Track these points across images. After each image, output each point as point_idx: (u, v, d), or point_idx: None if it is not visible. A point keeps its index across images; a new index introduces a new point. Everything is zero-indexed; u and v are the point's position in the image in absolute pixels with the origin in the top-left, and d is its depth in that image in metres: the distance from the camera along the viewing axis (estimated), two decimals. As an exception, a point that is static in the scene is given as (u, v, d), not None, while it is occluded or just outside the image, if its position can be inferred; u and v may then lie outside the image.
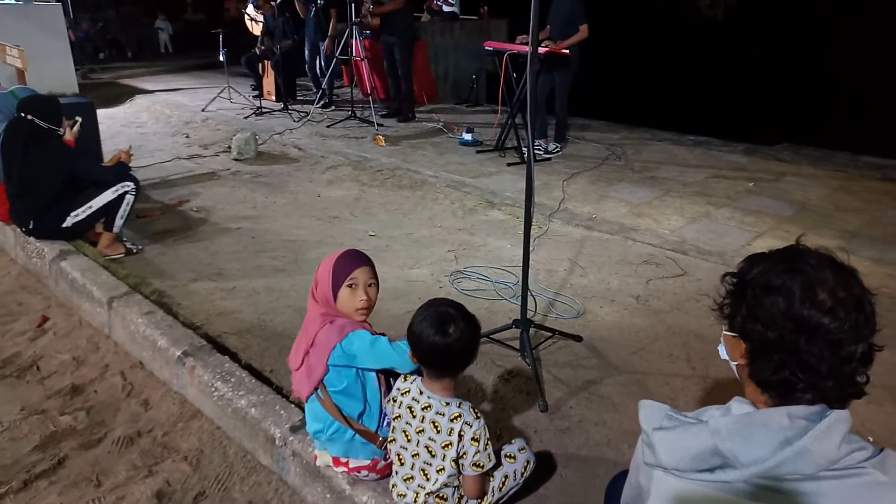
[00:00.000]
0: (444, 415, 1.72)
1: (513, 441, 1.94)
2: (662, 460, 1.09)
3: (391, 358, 1.85)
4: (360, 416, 1.90)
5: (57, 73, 7.72)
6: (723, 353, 1.24)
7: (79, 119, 4.02)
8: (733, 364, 1.21)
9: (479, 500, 1.79)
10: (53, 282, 3.58)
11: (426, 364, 1.75)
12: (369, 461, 1.92)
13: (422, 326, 1.70)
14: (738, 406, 1.15)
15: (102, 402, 2.67)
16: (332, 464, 1.97)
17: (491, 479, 1.81)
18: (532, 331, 2.81)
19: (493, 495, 1.80)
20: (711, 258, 3.81)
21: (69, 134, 3.85)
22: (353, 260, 1.89)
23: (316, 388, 1.89)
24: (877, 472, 1.00)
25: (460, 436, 1.69)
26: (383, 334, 1.93)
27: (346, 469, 1.94)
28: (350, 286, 1.86)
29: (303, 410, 2.27)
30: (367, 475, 1.94)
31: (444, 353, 1.69)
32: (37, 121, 3.64)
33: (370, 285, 1.89)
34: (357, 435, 1.89)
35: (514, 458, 1.87)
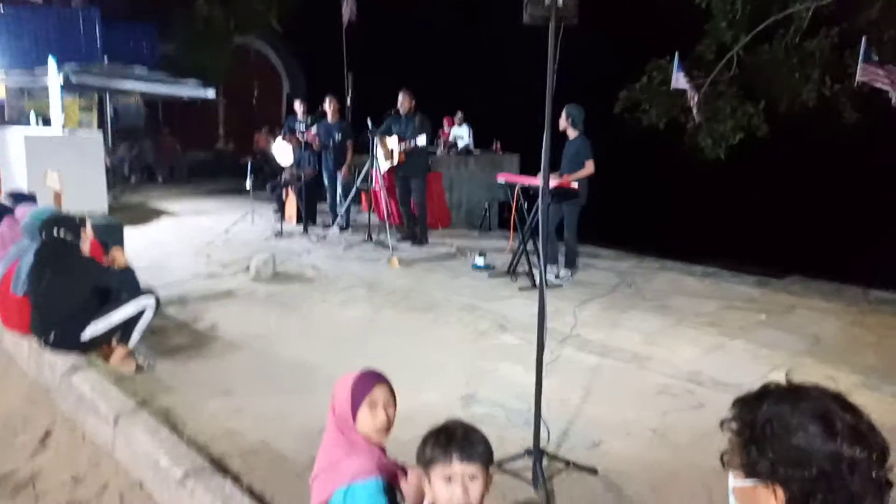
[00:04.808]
0: None
1: None
2: None
3: None
4: None
5: (90, 196, 8.13)
6: None
7: (84, 217, 4.19)
8: None
9: None
10: (62, 396, 3.55)
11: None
12: None
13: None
14: None
15: (95, 526, 2.56)
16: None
17: None
18: (545, 461, 2.72)
19: None
20: (729, 390, 3.72)
21: (88, 234, 4.01)
22: (372, 379, 1.89)
23: None
24: None
25: None
26: (399, 470, 1.90)
27: None
28: (370, 406, 1.83)
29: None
30: None
31: None
32: (68, 237, 3.83)
33: (389, 405, 1.87)
34: None
35: None
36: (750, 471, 1.12)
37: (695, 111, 9.69)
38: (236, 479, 2.63)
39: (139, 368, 3.80)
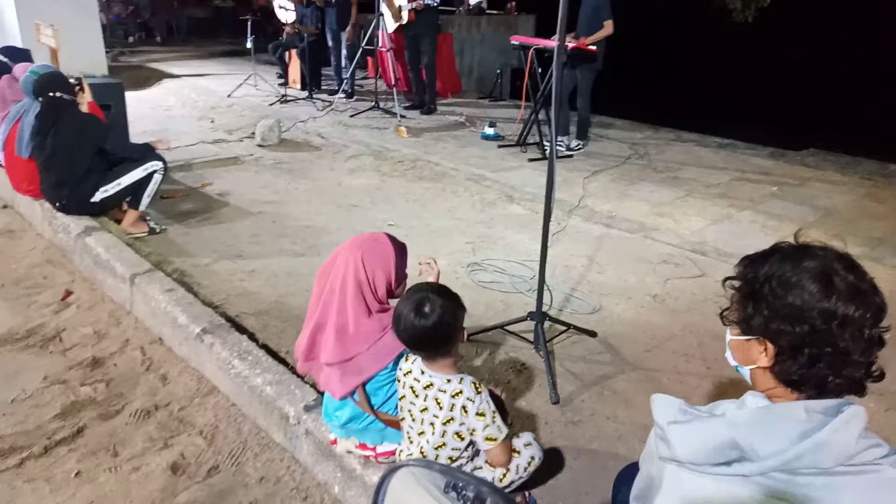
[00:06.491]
0: (445, 392, 1.74)
1: (519, 435, 1.93)
2: (678, 454, 1.08)
3: None
4: (384, 404, 1.92)
5: (88, 55, 7.82)
6: (732, 359, 1.23)
7: (81, 79, 4.07)
8: (747, 369, 1.19)
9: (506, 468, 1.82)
10: (78, 257, 3.65)
11: (411, 347, 1.77)
12: (397, 445, 1.94)
13: (401, 309, 1.74)
14: (753, 400, 1.14)
15: (122, 376, 2.72)
16: (353, 449, 1.99)
17: (492, 468, 1.82)
18: (547, 324, 2.81)
19: None
20: (732, 260, 3.76)
21: (87, 96, 3.93)
22: (405, 253, 1.95)
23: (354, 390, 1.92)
24: (894, 470, 0.99)
25: (463, 411, 1.71)
26: None
27: (373, 454, 1.97)
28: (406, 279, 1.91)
29: (317, 391, 2.30)
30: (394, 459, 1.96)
31: (423, 333, 1.71)
32: (65, 96, 3.75)
33: None
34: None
35: (519, 452, 1.85)
36: (745, 326, 1.15)
37: None
38: (251, 336, 2.76)
39: (151, 232, 3.87)
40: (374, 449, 1.97)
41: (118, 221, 3.89)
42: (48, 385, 2.63)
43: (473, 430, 1.73)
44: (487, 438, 1.73)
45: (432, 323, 1.69)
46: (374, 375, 1.88)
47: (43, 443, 2.30)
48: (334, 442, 2.04)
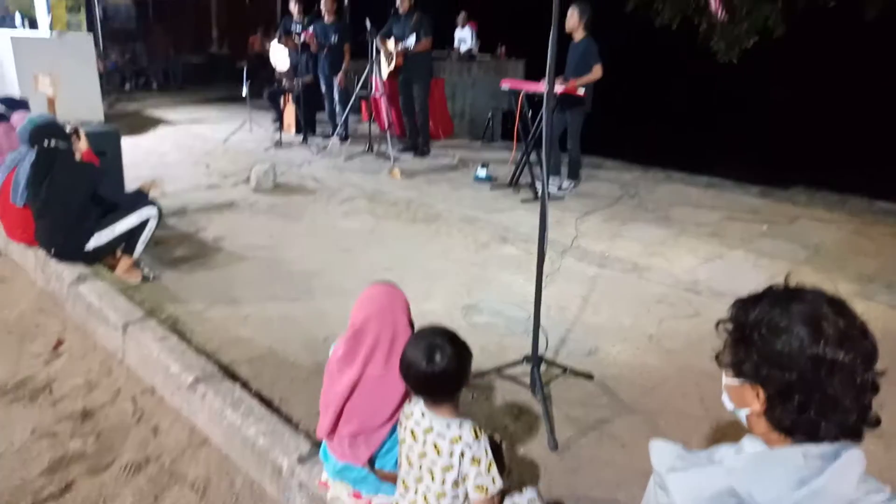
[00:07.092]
0: (444, 437, 1.70)
1: (523, 490, 1.86)
2: (677, 502, 1.07)
3: None
4: (386, 454, 1.91)
5: (84, 102, 7.95)
6: (728, 402, 1.22)
7: (77, 127, 4.11)
8: (742, 412, 1.18)
9: None
10: (71, 305, 3.63)
11: (418, 392, 1.75)
12: (393, 498, 1.91)
13: (411, 355, 1.71)
14: (750, 444, 1.14)
15: (112, 427, 2.68)
16: (346, 498, 1.95)
17: None
18: (543, 367, 2.80)
19: None
20: (725, 299, 3.76)
21: (83, 144, 3.96)
22: None
23: None
24: None
25: (461, 458, 1.68)
26: None
27: None
28: None
29: (311, 441, 2.27)
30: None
31: (432, 380, 1.69)
32: (60, 144, 3.78)
33: None
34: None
35: None
36: (737, 370, 1.15)
37: (720, 12, 9.14)
38: (245, 385, 2.73)
39: (144, 279, 3.86)
40: (368, 501, 1.93)
41: (112, 268, 3.88)
42: (36, 438, 2.58)
43: (465, 477, 1.70)
44: (477, 487, 1.69)
45: (441, 370, 1.68)
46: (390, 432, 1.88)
47: (29, 500, 2.25)
48: (325, 484, 2.00)
